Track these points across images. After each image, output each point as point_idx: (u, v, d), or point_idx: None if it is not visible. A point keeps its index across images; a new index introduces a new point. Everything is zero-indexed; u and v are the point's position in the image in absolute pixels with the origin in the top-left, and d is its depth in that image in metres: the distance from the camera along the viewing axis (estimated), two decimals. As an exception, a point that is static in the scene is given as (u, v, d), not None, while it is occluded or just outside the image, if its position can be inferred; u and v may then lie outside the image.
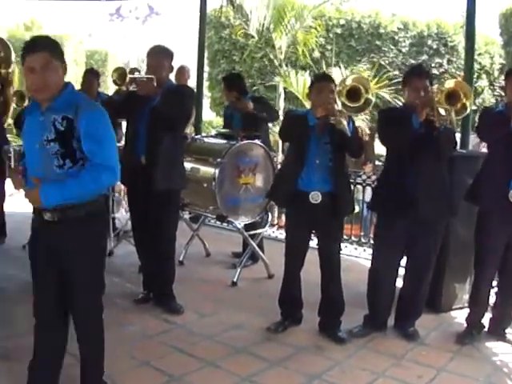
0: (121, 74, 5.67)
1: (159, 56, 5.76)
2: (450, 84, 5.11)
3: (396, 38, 18.86)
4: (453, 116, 4.91)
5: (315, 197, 5.13)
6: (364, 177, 8.37)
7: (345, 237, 7.52)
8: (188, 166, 6.61)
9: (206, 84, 17.99)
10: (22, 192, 3.83)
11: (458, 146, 5.82)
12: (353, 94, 5.20)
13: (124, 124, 7.59)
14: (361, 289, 5.73)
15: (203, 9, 10.17)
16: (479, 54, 17.64)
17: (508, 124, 4.98)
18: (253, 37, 15.72)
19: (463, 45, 12.50)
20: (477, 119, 5.54)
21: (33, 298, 3.94)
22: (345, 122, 4.94)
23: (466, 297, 6.01)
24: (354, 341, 5.36)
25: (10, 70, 9.42)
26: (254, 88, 17.67)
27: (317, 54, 17.56)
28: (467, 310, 5.64)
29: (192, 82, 10.14)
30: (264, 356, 5.03)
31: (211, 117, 21.78)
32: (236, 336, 5.45)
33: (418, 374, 4.77)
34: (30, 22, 31.61)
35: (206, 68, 18.15)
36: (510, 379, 4.83)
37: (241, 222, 7.03)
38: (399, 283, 5.58)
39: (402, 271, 5.56)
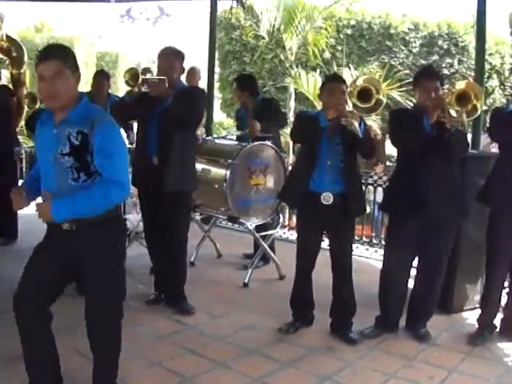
0: (133, 74, 5.66)
1: (170, 57, 5.76)
2: (460, 85, 5.09)
3: (406, 38, 18.84)
4: (464, 117, 4.89)
5: (327, 198, 5.14)
6: (375, 177, 8.36)
7: (356, 237, 7.51)
8: (199, 167, 6.62)
9: (216, 85, 18.00)
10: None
11: (470, 146, 5.81)
12: (364, 94, 5.19)
13: (135, 126, 7.63)
14: (372, 290, 5.73)
15: (214, 10, 10.19)
16: (490, 54, 17.60)
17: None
18: (263, 38, 15.75)
19: (474, 45, 12.52)
20: (488, 119, 5.53)
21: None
22: (356, 124, 4.94)
23: (478, 298, 5.98)
24: (365, 342, 5.35)
25: (22, 71, 9.46)
26: (265, 89, 17.67)
27: (327, 55, 17.57)
28: (479, 311, 5.63)
29: (203, 83, 10.15)
30: (275, 357, 5.04)
31: (222, 118, 21.80)
32: (247, 337, 5.46)
33: (429, 375, 4.76)
34: (40, 24, 31.71)
35: (217, 69, 18.17)
36: (522, 380, 4.82)
37: (252, 223, 7.02)
38: (411, 284, 5.58)
39: (413, 272, 5.55)
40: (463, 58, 18.75)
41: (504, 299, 5.59)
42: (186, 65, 6.01)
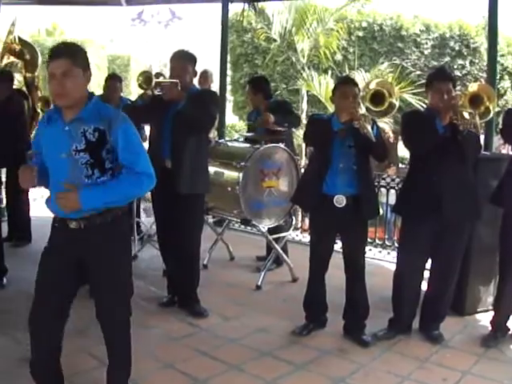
0: (146, 77, 5.67)
1: (183, 61, 5.76)
2: (473, 87, 5.08)
3: (418, 40, 18.83)
4: (477, 120, 4.88)
5: (340, 200, 5.14)
6: (388, 179, 8.34)
7: (369, 240, 7.50)
8: (212, 169, 6.61)
9: (228, 88, 18.03)
10: (45, 197, 3.86)
11: (482, 148, 5.80)
12: (377, 98, 5.18)
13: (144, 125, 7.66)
14: (385, 292, 5.73)
15: (225, 13, 10.21)
16: (502, 55, 17.56)
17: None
18: (275, 40, 15.78)
19: (485, 46, 12.49)
20: (500, 121, 5.52)
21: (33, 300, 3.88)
22: (369, 127, 4.94)
23: (491, 299, 5.97)
24: (378, 344, 5.35)
25: (36, 74, 9.44)
26: (277, 92, 17.69)
27: (339, 57, 17.60)
28: (492, 313, 5.62)
29: (215, 86, 10.17)
30: (288, 359, 5.04)
31: (234, 121, 21.81)
32: (260, 339, 5.46)
33: (442, 377, 4.76)
34: (52, 27, 31.79)
35: (229, 72, 18.21)
36: (535, 382, 4.80)
37: (265, 226, 7.03)
38: (424, 286, 5.57)
39: (426, 274, 5.55)
40: (475, 59, 18.73)
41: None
42: (198, 68, 6.02)
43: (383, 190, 8.36)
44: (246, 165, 6.68)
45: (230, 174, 6.86)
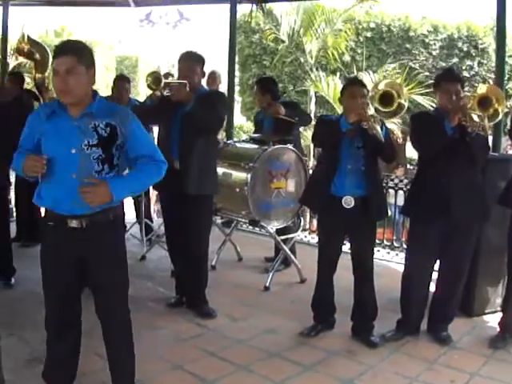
0: (155, 78, 5.68)
1: (191, 62, 5.76)
2: (482, 89, 5.07)
3: (426, 40, 18.83)
4: (486, 122, 4.87)
5: (348, 201, 5.14)
6: (396, 180, 8.34)
7: (377, 241, 7.49)
8: (220, 170, 6.62)
9: (236, 89, 18.04)
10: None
11: (490, 150, 5.79)
12: (386, 99, 5.17)
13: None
14: (393, 293, 5.72)
15: (233, 14, 10.20)
16: (510, 56, 17.46)
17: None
18: (283, 41, 15.81)
19: (494, 47, 12.45)
20: (508, 122, 5.51)
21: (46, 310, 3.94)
22: (378, 128, 4.93)
23: (499, 301, 5.97)
24: (386, 345, 5.34)
25: (46, 75, 9.39)
26: (285, 94, 17.70)
27: (347, 58, 17.60)
28: (500, 314, 5.60)
29: (223, 87, 10.17)
30: (297, 360, 5.03)
31: (242, 121, 21.82)
32: (268, 340, 5.46)
33: (450, 379, 4.74)
34: (60, 28, 31.83)
35: (237, 73, 18.22)
36: (543, 384, 4.79)
37: (273, 227, 7.03)
38: (432, 287, 5.56)
39: (435, 275, 5.54)
40: (483, 60, 18.70)
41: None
42: (207, 69, 6.02)
43: (391, 191, 8.36)
44: (255, 166, 6.68)
45: (239, 175, 6.86)
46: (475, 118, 4.85)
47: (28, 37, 9.66)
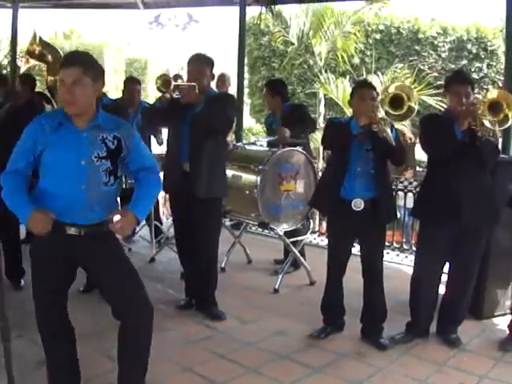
0: (165, 80, 5.68)
1: (200, 64, 5.77)
2: (492, 94, 5.05)
3: (435, 42, 18.83)
4: (496, 128, 4.86)
5: (357, 204, 5.14)
6: (405, 183, 8.34)
7: (386, 243, 7.48)
8: (229, 173, 6.64)
9: (245, 91, 18.06)
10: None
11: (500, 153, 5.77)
12: (396, 101, 5.16)
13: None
14: (403, 295, 5.71)
15: (242, 16, 10.22)
16: (519, 58, 17.47)
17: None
18: (292, 43, 15.80)
19: (503, 49, 12.42)
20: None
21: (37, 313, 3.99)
22: (388, 130, 4.92)
23: (509, 303, 5.97)
24: (395, 347, 5.34)
25: (58, 78, 9.38)
26: (294, 96, 17.69)
27: (356, 60, 17.59)
28: (510, 317, 5.59)
29: (232, 89, 10.18)
30: (306, 362, 5.03)
31: (251, 124, 21.83)
32: (278, 342, 5.46)
33: (460, 381, 4.74)
34: (69, 31, 31.94)
35: (246, 75, 18.23)
36: (553, 386, 4.78)
37: (282, 229, 7.03)
38: (442, 290, 5.55)
39: (444, 278, 5.53)
40: (492, 62, 18.69)
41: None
42: (216, 71, 6.03)
43: (401, 193, 8.36)
44: (264, 168, 6.69)
45: (248, 178, 6.87)
46: (486, 123, 4.84)
47: (40, 38, 9.64)
